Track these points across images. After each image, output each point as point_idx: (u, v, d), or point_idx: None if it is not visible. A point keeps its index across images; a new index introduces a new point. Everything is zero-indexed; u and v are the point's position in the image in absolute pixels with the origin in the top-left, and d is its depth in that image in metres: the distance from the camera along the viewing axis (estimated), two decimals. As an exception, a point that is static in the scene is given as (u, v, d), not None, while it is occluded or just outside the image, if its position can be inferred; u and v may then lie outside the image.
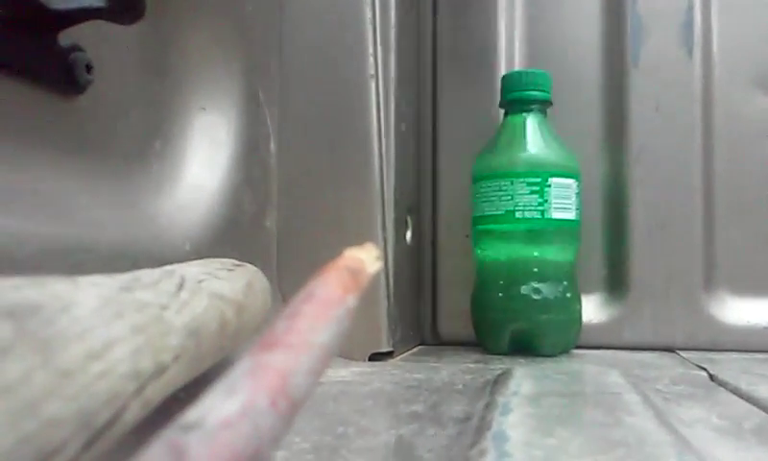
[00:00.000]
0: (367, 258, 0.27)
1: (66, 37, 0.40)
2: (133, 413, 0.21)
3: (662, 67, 0.73)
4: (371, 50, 0.63)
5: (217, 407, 0.14)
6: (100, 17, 0.39)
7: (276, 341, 0.18)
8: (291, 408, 0.16)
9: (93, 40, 0.42)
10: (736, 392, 0.45)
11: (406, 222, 0.70)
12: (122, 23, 0.40)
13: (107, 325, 0.20)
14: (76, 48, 0.41)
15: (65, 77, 0.40)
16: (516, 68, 0.76)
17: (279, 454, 0.30)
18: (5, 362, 0.16)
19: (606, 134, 0.75)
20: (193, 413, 0.14)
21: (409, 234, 0.71)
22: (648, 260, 0.72)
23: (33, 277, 0.20)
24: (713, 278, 0.72)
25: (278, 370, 0.17)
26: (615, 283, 0.73)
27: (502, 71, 0.76)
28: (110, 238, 0.41)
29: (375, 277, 0.29)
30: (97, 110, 0.43)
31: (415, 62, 0.76)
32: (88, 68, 0.42)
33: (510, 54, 0.77)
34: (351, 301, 0.23)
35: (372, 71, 0.63)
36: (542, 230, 0.64)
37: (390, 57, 0.65)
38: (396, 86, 0.66)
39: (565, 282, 0.65)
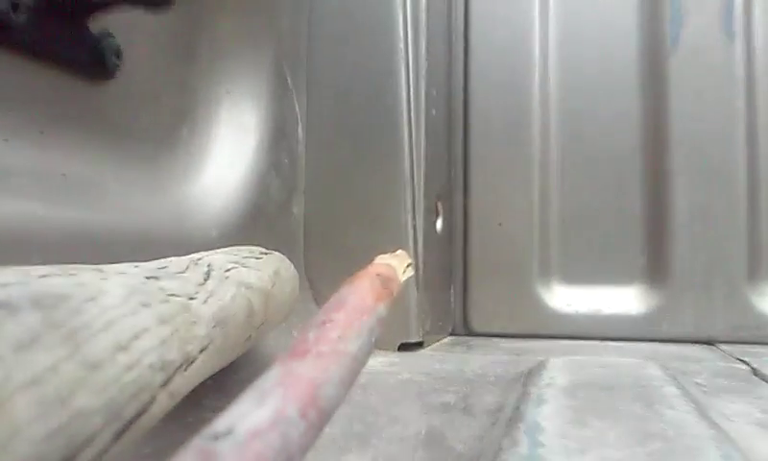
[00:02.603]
0: (398, 265, 0.27)
1: (97, 24, 0.40)
2: (161, 404, 0.21)
3: (703, 51, 0.71)
4: (401, 33, 0.61)
5: (247, 416, 0.14)
6: (130, 3, 0.39)
7: (306, 349, 0.18)
8: (320, 418, 0.16)
9: (123, 26, 0.42)
10: (780, 386, 0.43)
11: (436, 209, 0.69)
12: (152, 9, 0.40)
13: (134, 315, 0.20)
14: (106, 34, 0.41)
15: (95, 63, 0.40)
16: (550, 52, 0.74)
17: (309, 445, 0.29)
18: (33, 353, 0.15)
19: (645, 119, 0.73)
20: (223, 421, 0.13)
21: (439, 222, 0.70)
22: (689, 250, 0.70)
23: (60, 264, 0.20)
24: (757, 268, 0.70)
25: (309, 379, 0.16)
26: (655, 273, 0.71)
27: (536, 55, 0.74)
28: (138, 224, 0.41)
29: (407, 284, 0.28)
30: (126, 96, 0.43)
31: (446, 45, 0.74)
32: (118, 54, 0.42)
33: (543, 37, 0.75)
34: (382, 309, 0.22)
35: (403, 55, 0.62)
36: None
37: (420, 40, 0.64)
38: (426, 70, 0.64)
39: None
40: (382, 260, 0.26)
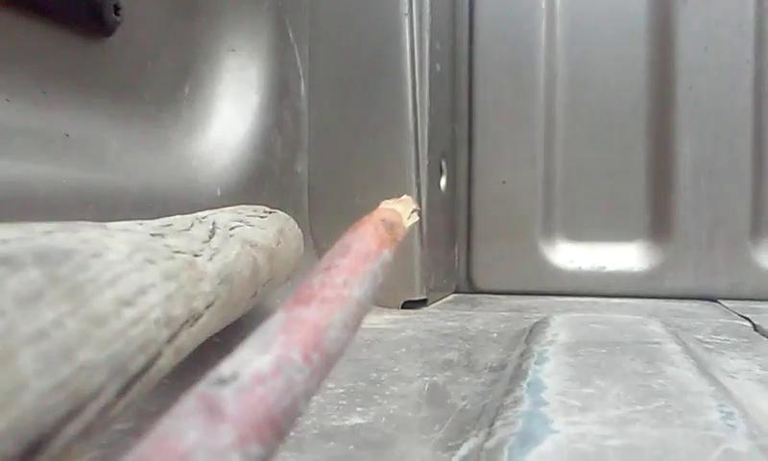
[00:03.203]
0: (403, 211, 0.27)
1: (93, -23, 0.40)
2: (168, 359, 0.21)
3: (712, 3, 0.69)
4: (404, -14, 0.60)
5: (251, 361, 0.14)
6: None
7: (310, 295, 0.18)
8: (325, 363, 0.16)
9: (120, -20, 0.41)
10: (781, 343, 0.43)
11: (441, 167, 0.68)
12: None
13: (139, 271, 0.20)
14: (103, -12, 0.40)
15: (94, 18, 0.40)
16: (557, 3, 0.72)
17: (314, 399, 0.30)
18: (37, 307, 0.15)
19: (652, 73, 0.72)
20: (227, 367, 0.13)
21: (444, 180, 0.69)
22: (693, 206, 0.69)
23: (64, 222, 0.20)
24: (760, 225, 0.69)
25: (313, 324, 0.16)
26: (658, 230, 0.71)
27: (543, 6, 0.72)
28: (142, 183, 0.41)
29: (412, 229, 0.28)
30: (126, 52, 0.43)
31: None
32: (116, 9, 0.41)
33: (551, -12, 0.73)
34: (387, 254, 0.22)
35: (406, 9, 0.60)
36: None
37: (424, -7, 0.63)
38: (430, 24, 0.63)
39: None
40: (387, 205, 0.26)
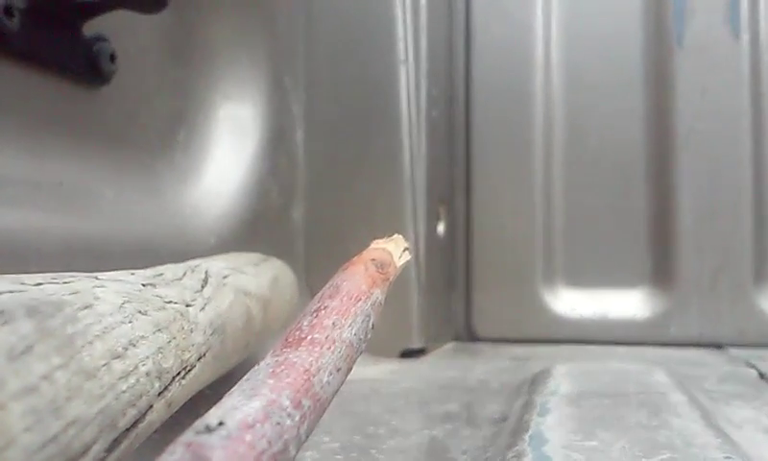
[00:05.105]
0: (395, 250, 0.26)
1: (90, 28, 0.40)
2: (159, 413, 0.21)
3: (708, 48, 0.70)
4: (400, 34, 0.61)
5: (239, 408, 0.13)
6: (124, 7, 0.39)
7: (300, 338, 0.17)
8: (316, 407, 0.16)
9: (117, 30, 0.42)
10: (788, 391, 0.43)
11: (438, 213, 0.69)
12: (146, 12, 0.40)
13: (129, 322, 0.20)
14: (100, 38, 0.41)
15: (90, 67, 0.40)
16: (553, 49, 0.74)
17: (308, 454, 0.29)
18: (27, 361, 0.15)
19: (650, 118, 0.72)
20: (215, 414, 0.13)
21: (441, 226, 0.69)
22: (695, 252, 0.69)
23: (56, 272, 0.20)
24: (763, 270, 0.69)
25: (303, 368, 0.16)
26: (661, 277, 0.71)
27: (539, 53, 0.73)
28: (135, 232, 0.41)
29: (404, 269, 0.28)
30: (121, 100, 0.43)
31: (447, 45, 0.74)
32: (112, 58, 0.42)
33: (547, 35, 0.74)
34: (379, 294, 0.22)
35: (403, 56, 0.61)
36: None
37: (420, 40, 0.63)
38: (426, 71, 0.64)
39: None
40: (378, 245, 0.26)
